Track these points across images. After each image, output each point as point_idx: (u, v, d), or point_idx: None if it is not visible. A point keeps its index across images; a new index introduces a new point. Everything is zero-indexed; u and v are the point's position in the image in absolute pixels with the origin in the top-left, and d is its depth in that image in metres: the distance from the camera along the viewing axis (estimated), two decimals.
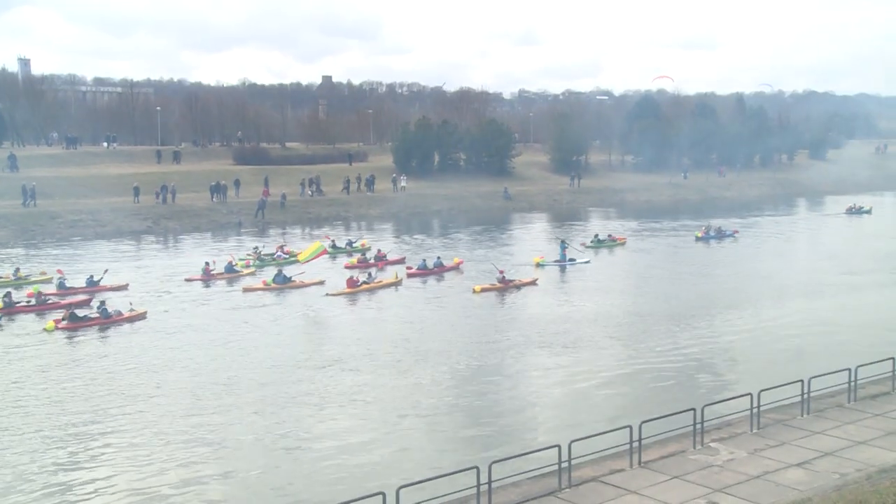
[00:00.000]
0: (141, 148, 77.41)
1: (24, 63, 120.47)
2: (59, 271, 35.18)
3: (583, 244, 45.66)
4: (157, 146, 77.13)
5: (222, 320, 28.88)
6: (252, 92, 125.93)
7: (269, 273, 36.32)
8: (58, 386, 21.60)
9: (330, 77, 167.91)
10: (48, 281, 34.90)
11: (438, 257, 39.48)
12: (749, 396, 16.68)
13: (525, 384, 22.19)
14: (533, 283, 35.86)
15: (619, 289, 35.49)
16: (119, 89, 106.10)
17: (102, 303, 28.90)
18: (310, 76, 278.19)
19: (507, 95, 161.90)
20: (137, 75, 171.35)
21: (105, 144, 74.28)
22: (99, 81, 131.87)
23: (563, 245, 41.94)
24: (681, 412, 16.26)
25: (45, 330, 27.13)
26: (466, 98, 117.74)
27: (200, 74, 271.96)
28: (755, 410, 16.71)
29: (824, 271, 39.45)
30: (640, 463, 14.91)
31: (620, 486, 14.02)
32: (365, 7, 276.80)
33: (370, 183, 68.54)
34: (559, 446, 13.87)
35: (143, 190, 57.54)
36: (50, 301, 30.84)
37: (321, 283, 35.03)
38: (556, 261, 40.75)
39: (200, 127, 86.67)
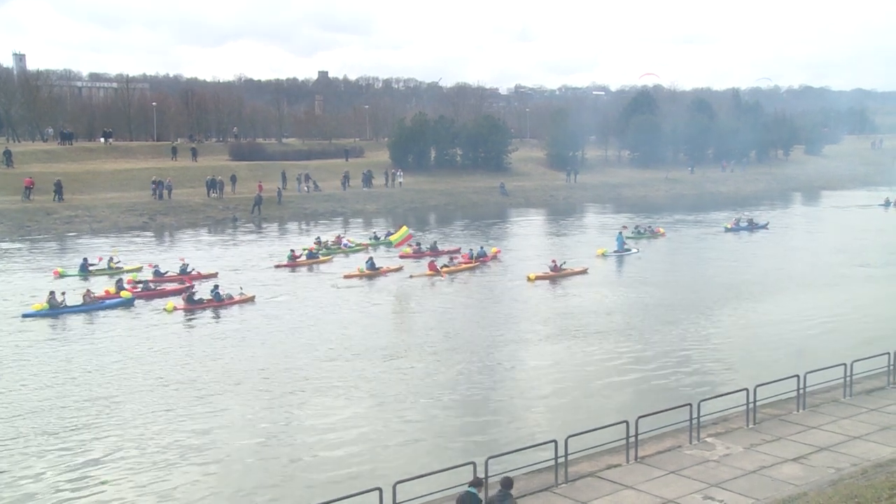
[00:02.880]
0: (137, 143, 77.24)
1: (19, 58, 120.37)
2: (181, 259, 37.56)
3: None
4: (153, 141, 77.06)
5: (323, 304, 31.04)
6: (248, 87, 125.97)
7: (338, 261, 40.62)
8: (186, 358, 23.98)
9: (326, 72, 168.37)
10: (138, 270, 36.92)
11: (482, 246, 41.62)
12: (745, 391, 16.71)
13: (531, 378, 22.19)
14: (584, 272, 37.09)
15: (653, 279, 36.49)
16: (115, 84, 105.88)
17: (216, 287, 31.14)
18: (306, 71, 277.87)
19: (503, 91, 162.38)
20: (133, 70, 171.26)
21: (102, 140, 74.06)
22: (94, 77, 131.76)
23: (620, 236, 43.69)
24: (677, 407, 16.29)
25: (164, 310, 29.54)
26: (463, 93, 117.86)
27: (196, 70, 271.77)
28: (751, 405, 16.75)
29: (845, 264, 40.25)
30: (636, 458, 14.94)
31: (617, 482, 14.05)
32: (361, 2, 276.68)
33: (367, 179, 68.42)
34: (556, 441, 13.89)
35: (138, 185, 57.47)
36: (156, 287, 33.40)
37: (400, 269, 38.26)
38: (614, 251, 42.43)
39: (196, 122, 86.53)
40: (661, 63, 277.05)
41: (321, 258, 40.52)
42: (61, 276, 35.81)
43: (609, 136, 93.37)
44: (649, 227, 50.42)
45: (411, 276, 36.20)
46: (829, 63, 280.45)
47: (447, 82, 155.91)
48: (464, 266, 38.19)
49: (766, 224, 54.08)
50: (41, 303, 29.10)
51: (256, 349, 24.66)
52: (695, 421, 15.83)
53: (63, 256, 41.34)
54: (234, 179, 62.15)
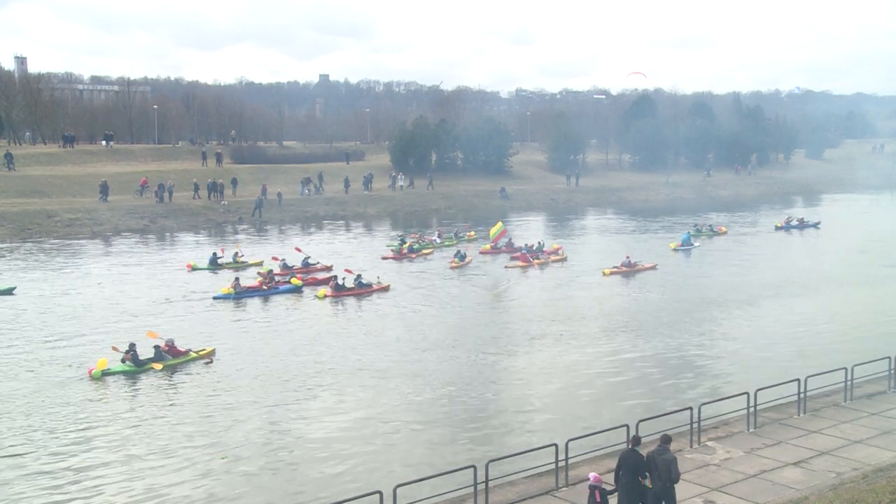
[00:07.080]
0: (138, 146, 77.25)
1: (21, 61, 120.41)
2: (297, 249, 41.06)
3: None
4: (154, 144, 76.99)
5: (440, 293, 33.89)
6: (249, 90, 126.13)
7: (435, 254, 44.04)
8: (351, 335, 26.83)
9: (327, 76, 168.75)
10: (258, 264, 39.23)
11: (539, 242, 43.81)
12: (746, 395, 16.69)
13: (536, 380, 22.21)
14: (653, 267, 39.17)
15: (705, 276, 38.20)
16: (116, 87, 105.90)
17: (359, 276, 33.91)
18: (307, 75, 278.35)
19: (504, 94, 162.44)
20: (134, 73, 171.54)
21: (103, 143, 74.08)
22: (96, 80, 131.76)
23: (688, 234, 48.07)
24: (678, 411, 16.29)
25: (316, 297, 32.60)
26: (464, 97, 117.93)
27: (197, 73, 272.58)
28: (752, 409, 16.73)
29: (871, 264, 41.15)
30: None
31: None
32: (361, 5, 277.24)
33: (367, 181, 68.44)
34: (556, 445, 13.87)
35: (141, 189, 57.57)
36: (303, 278, 35.80)
37: (471, 260, 41.30)
38: (682, 245, 46.05)
39: (197, 125, 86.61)
40: (661, 66, 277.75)
41: (424, 251, 43.90)
42: (194, 269, 38.32)
43: (610, 140, 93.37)
44: (710, 226, 53.56)
45: (506, 267, 39.81)
46: (830, 67, 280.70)
47: (448, 85, 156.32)
48: (554, 259, 41.54)
49: (817, 223, 57.26)
50: (228, 287, 32.63)
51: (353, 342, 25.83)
52: (695, 424, 15.82)
53: (96, 257, 42.51)
54: (234, 182, 62.15)
